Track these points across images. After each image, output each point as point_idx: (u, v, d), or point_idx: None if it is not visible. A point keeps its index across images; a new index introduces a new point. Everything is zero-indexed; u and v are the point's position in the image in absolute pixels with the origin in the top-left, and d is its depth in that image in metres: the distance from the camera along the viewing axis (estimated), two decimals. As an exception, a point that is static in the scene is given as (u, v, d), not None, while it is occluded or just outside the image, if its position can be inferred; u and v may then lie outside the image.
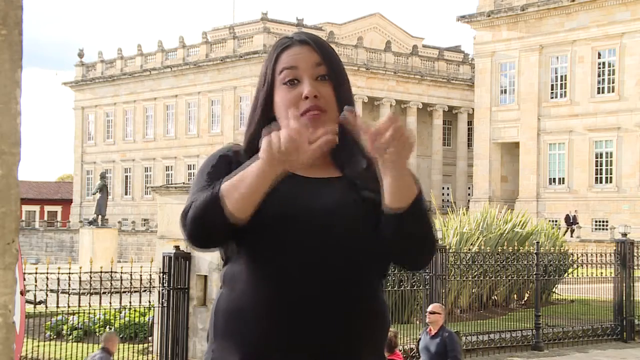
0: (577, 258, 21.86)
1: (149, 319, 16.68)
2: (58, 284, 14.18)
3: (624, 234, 21.22)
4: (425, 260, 2.24)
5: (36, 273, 13.44)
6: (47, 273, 14.12)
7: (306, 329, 2.08)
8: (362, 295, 2.15)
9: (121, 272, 15.96)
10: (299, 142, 1.97)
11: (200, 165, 2.31)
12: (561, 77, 52.66)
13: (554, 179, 52.76)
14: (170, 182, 58.42)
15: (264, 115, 2.27)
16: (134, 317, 17.21)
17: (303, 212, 2.13)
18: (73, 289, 14.82)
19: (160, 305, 13.50)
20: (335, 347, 2.11)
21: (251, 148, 2.24)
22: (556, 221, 41.42)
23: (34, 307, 14.67)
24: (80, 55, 77.16)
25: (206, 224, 2.09)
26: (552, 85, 53.07)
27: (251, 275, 2.13)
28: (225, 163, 2.24)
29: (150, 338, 16.57)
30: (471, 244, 20.96)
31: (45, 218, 75.01)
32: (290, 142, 1.97)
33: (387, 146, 1.98)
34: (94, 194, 41.92)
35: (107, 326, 17.50)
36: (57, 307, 15.34)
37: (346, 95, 2.26)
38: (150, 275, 15.91)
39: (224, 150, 2.30)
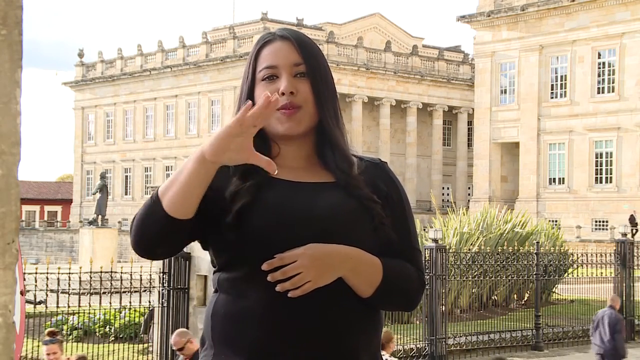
0: (577, 258, 21.88)
1: (145, 317, 16.70)
2: (58, 284, 14.19)
3: (624, 234, 21.24)
4: (411, 308, 2.30)
5: (36, 273, 13.45)
6: (47, 273, 14.13)
7: (307, 331, 2.09)
8: (360, 300, 2.16)
9: (121, 272, 15.95)
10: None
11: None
12: (561, 77, 52.65)
13: (554, 179, 52.75)
14: (170, 182, 58.45)
15: None
16: (134, 317, 17.22)
17: (301, 218, 2.12)
18: (73, 289, 14.82)
19: (160, 305, 13.50)
20: (335, 348, 2.11)
21: None
22: (556, 221, 41.41)
23: (34, 307, 14.67)
24: (80, 55, 77.16)
25: (148, 229, 2.06)
26: (552, 85, 53.07)
27: (251, 281, 2.11)
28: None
29: (143, 336, 16.63)
30: (471, 244, 20.97)
31: (45, 218, 75.03)
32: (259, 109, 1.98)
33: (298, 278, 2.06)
34: (94, 194, 41.93)
35: (107, 326, 17.52)
36: (57, 307, 15.34)
37: (325, 91, 2.25)
38: (150, 275, 15.93)
39: None
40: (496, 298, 22.01)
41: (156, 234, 2.06)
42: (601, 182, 50.30)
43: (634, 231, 45.20)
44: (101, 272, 14.64)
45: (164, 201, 2.02)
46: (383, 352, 10.12)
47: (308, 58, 2.25)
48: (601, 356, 13.78)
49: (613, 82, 50.25)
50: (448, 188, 66.62)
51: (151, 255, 2.15)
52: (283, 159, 2.23)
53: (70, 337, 17.06)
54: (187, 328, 13.21)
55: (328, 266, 2.08)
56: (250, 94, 2.28)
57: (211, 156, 1.97)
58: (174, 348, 9.18)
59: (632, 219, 46.58)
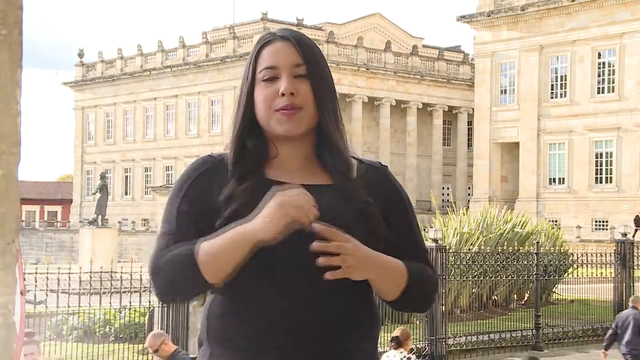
0: (577, 258, 21.88)
1: (147, 319, 16.68)
2: (58, 284, 14.20)
3: (624, 234, 21.24)
4: (427, 309, 2.37)
5: (36, 273, 13.46)
6: (47, 273, 14.15)
7: (302, 331, 2.08)
8: (357, 299, 2.16)
9: (121, 272, 15.97)
10: (307, 205, 2.03)
11: (174, 186, 2.28)
12: (561, 77, 52.65)
13: (554, 179, 52.76)
14: (170, 182, 58.44)
15: (246, 113, 2.26)
16: (134, 317, 17.21)
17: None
18: (73, 289, 14.83)
19: (160, 305, 13.50)
20: (332, 346, 2.11)
21: (239, 147, 2.22)
22: (556, 221, 41.40)
23: (34, 307, 14.67)
24: (80, 55, 77.15)
25: (183, 290, 2.15)
26: (552, 85, 53.06)
27: (246, 282, 2.11)
28: (205, 182, 2.22)
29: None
30: (471, 244, 20.97)
31: (45, 218, 75.03)
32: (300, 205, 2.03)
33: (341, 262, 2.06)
34: (94, 194, 41.95)
35: (107, 326, 17.50)
36: (57, 307, 15.35)
37: (326, 91, 2.25)
38: (150, 275, 15.87)
39: (201, 166, 2.27)
40: (496, 298, 22.01)
41: (191, 293, 2.17)
42: (601, 182, 50.30)
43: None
44: (101, 272, 14.67)
45: (207, 273, 2.07)
46: (401, 350, 10.14)
47: (308, 59, 2.24)
48: (625, 356, 13.81)
49: (613, 82, 50.25)
50: (448, 188, 66.61)
51: (174, 302, 2.25)
52: (281, 160, 2.23)
53: (70, 337, 17.05)
54: (187, 328, 13.23)
55: (365, 262, 2.10)
56: (250, 95, 2.28)
57: (271, 238, 2.03)
58: (150, 350, 9.01)
59: (637, 220, 46.51)
